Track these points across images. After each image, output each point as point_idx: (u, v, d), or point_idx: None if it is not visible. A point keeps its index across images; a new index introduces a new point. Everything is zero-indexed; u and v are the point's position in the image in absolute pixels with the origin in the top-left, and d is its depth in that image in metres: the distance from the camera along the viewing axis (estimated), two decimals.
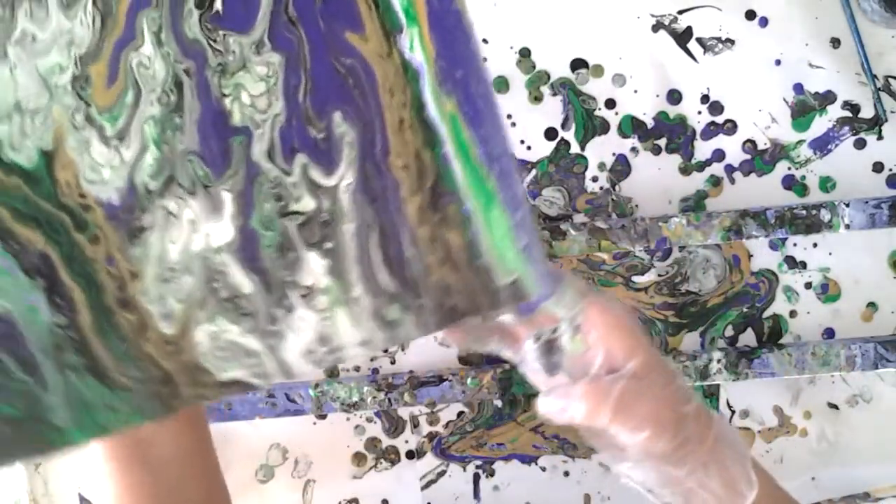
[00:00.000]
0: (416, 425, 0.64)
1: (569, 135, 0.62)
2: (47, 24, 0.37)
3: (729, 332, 0.63)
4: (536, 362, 0.42)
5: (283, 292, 0.37)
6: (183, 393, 0.38)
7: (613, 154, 0.62)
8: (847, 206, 0.60)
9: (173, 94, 0.37)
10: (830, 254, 0.62)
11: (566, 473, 0.64)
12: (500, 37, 0.61)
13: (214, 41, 0.37)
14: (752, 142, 0.62)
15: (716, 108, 0.62)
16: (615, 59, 0.62)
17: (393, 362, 0.63)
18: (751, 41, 0.62)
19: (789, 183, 0.62)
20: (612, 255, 0.62)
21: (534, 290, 0.37)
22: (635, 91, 0.62)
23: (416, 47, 0.36)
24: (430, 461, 0.64)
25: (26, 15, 0.37)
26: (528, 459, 0.64)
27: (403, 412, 0.63)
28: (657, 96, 0.62)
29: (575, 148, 0.62)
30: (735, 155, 0.62)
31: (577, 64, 0.62)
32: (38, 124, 0.37)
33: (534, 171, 0.62)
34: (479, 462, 0.64)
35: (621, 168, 0.62)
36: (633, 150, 0.62)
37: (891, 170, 0.62)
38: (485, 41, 0.62)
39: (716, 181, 0.62)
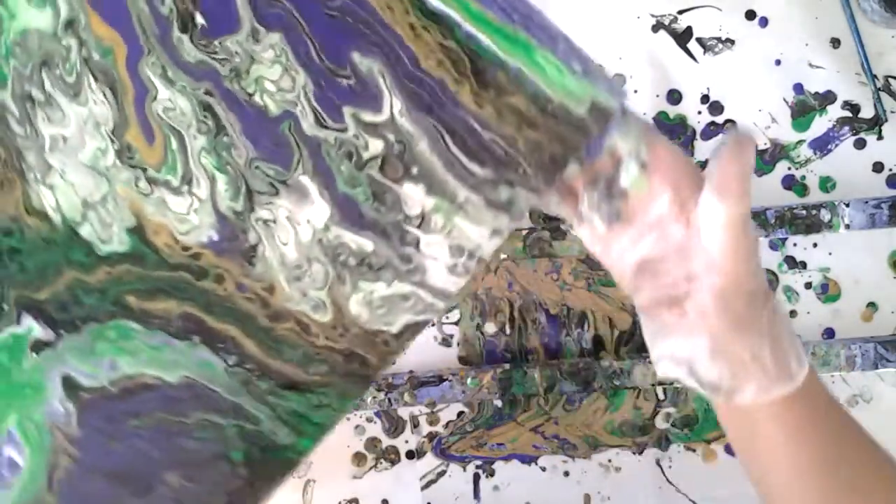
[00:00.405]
0: (416, 425, 0.64)
1: None
2: (67, 121, 0.38)
3: None
4: (595, 212, 0.38)
5: (400, 232, 0.38)
6: (371, 361, 0.39)
7: None
8: (847, 206, 0.60)
9: (209, 119, 0.37)
10: (830, 254, 0.62)
11: (566, 473, 0.64)
12: None
13: (215, 53, 0.37)
14: None
15: (716, 108, 0.62)
16: (615, 59, 0.62)
17: (393, 362, 0.63)
18: (751, 41, 0.62)
19: (789, 183, 0.62)
20: None
21: (612, 102, 0.36)
22: (635, 91, 0.62)
23: None
24: (430, 461, 0.64)
25: (45, 122, 0.38)
26: (528, 459, 0.64)
27: (403, 412, 0.63)
28: (657, 96, 0.62)
29: None
30: None
31: None
32: (111, 210, 0.38)
33: None
34: (479, 462, 0.64)
35: None
36: None
37: (891, 170, 0.62)
38: None
39: None
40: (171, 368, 0.39)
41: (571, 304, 0.63)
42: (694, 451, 0.63)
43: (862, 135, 0.62)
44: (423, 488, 0.63)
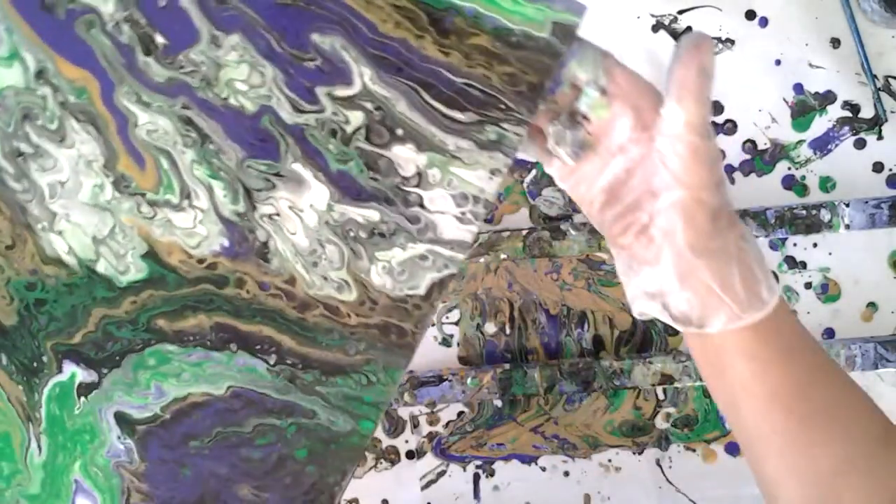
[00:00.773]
0: (416, 425, 0.64)
1: None
2: (60, 166, 0.39)
3: None
4: (562, 146, 0.39)
5: (402, 195, 0.38)
6: (407, 328, 0.39)
7: None
8: (847, 206, 0.60)
9: (192, 131, 0.38)
10: (830, 254, 0.62)
11: (566, 473, 0.64)
12: None
13: (182, 67, 0.38)
14: (752, 142, 0.62)
15: (716, 108, 0.62)
16: None
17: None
18: (751, 41, 0.62)
19: (789, 183, 0.62)
20: None
21: (573, 18, 0.37)
22: None
23: None
24: (430, 461, 0.64)
25: (40, 172, 0.39)
26: (528, 459, 0.64)
27: (403, 412, 0.63)
28: None
29: None
30: (735, 155, 0.62)
31: None
32: (122, 240, 0.39)
33: (534, 171, 0.62)
34: (479, 462, 0.64)
35: None
36: None
37: (891, 170, 0.62)
38: None
39: None
40: (216, 381, 0.40)
41: (571, 304, 0.63)
42: (694, 451, 0.63)
43: (862, 135, 0.62)
44: (423, 488, 0.63)
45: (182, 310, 0.40)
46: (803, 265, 0.63)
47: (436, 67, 0.37)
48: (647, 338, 0.63)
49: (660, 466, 0.63)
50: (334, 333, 0.40)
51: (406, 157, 0.38)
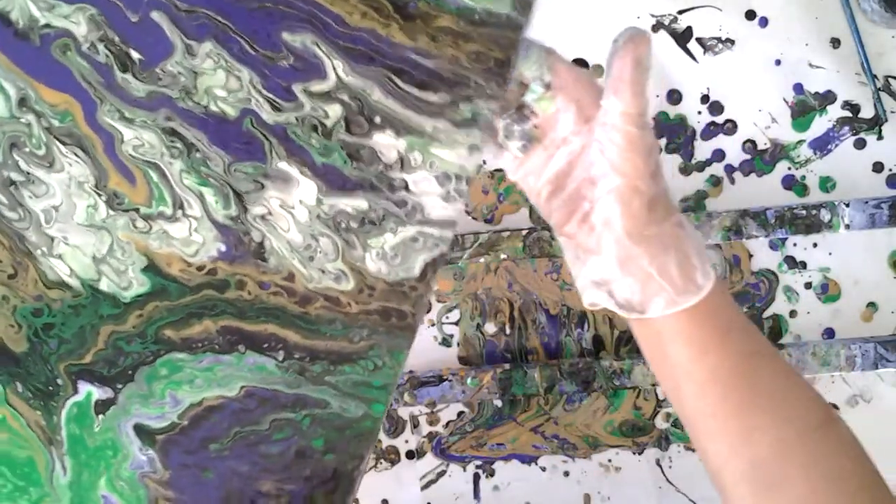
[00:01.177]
0: (416, 425, 0.64)
1: None
2: (52, 191, 0.40)
3: None
4: (511, 139, 0.41)
5: (387, 181, 0.39)
6: (406, 310, 0.40)
7: None
8: (847, 206, 0.60)
9: (177, 142, 0.39)
10: (830, 254, 0.62)
11: (566, 473, 0.64)
12: None
13: (160, 80, 0.39)
14: (752, 142, 0.62)
15: (716, 108, 0.62)
16: None
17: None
18: (751, 41, 0.62)
19: (789, 183, 0.62)
20: None
21: None
22: None
23: None
24: (430, 461, 0.64)
25: (33, 198, 0.40)
26: (528, 459, 0.64)
27: (403, 412, 0.63)
28: (657, 96, 0.62)
29: None
30: (735, 155, 0.62)
31: (578, 64, 0.62)
32: (121, 257, 0.40)
33: None
34: (479, 462, 0.64)
35: None
36: None
37: (891, 170, 0.62)
38: None
39: (716, 181, 0.62)
40: (228, 383, 0.40)
41: (571, 304, 0.63)
42: (694, 451, 0.63)
43: (862, 135, 0.62)
44: (423, 488, 0.63)
45: (188, 318, 0.40)
46: (803, 265, 0.63)
47: (405, 53, 0.38)
48: None
49: (660, 466, 0.63)
50: (337, 323, 0.40)
51: (387, 143, 0.39)
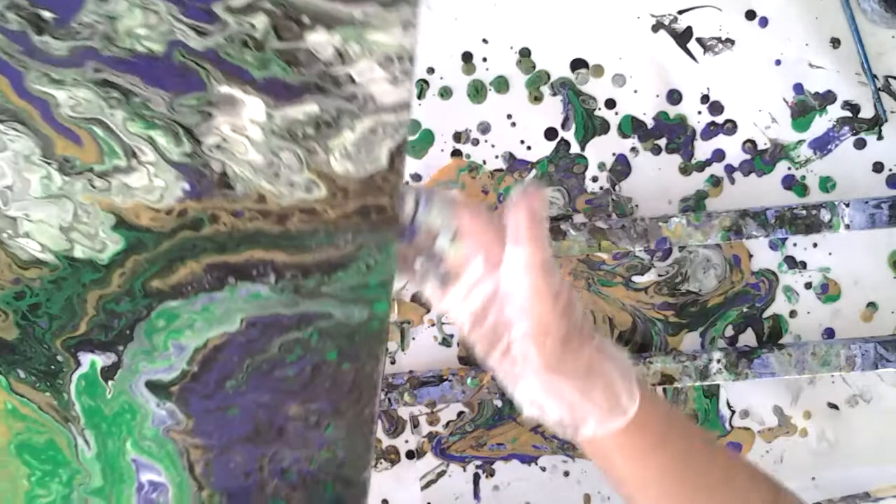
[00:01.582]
0: (416, 425, 0.64)
1: (569, 135, 0.62)
2: (1, 171, 0.39)
3: (729, 332, 0.63)
4: (428, 280, 0.43)
5: (331, 78, 0.39)
6: (384, 203, 0.40)
7: (613, 154, 0.62)
8: (847, 206, 0.60)
9: (112, 91, 0.38)
10: (830, 254, 0.62)
11: (566, 473, 0.64)
12: (500, 37, 0.61)
13: (78, 34, 0.38)
14: (752, 142, 0.62)
15: (716, 108, 0.62)
16: (615, 59, 0.62)
17: (393, 362, 0.63)
18: (751, 41, 0.62)
19: (789, 183, 0.62)
20: (612, 255, 0.62)
21: None
22: (635, 91, 0.62)
23: None
24: (430, 461, 0.64)
25: None
26: (528, 459, 0.64)
27: (403, 412, 0.63)
28: (657, 96, 0.62)
29: (575, 148, 0.62)
30: (735, 155, 0.62)
31: (577, 64, 0.62)
32: (87, 220, 0.39)
33: (534, 171, 0.62)
34: (479, 462, 0.64)
35: (621, 168, 0.62)
36: (633, 150, 0.62)
37: (891, 170, 0.62)
38: (485, 41, 0.62)
39: (716, 181, 0.62)
40: (228, 319, 0.40)
41: None
42: None
43: (862, 135, 0.62)
44: (423, 488, 0.63)
45: (170, 264, 0.40)
46: (803, 265, 0.63)
47: None
48: (647, 338, 0.63)
49: None
50: (319, 233, 0.40)
51: (321, 41, 0.38)
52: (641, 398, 0.41)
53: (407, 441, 0.64)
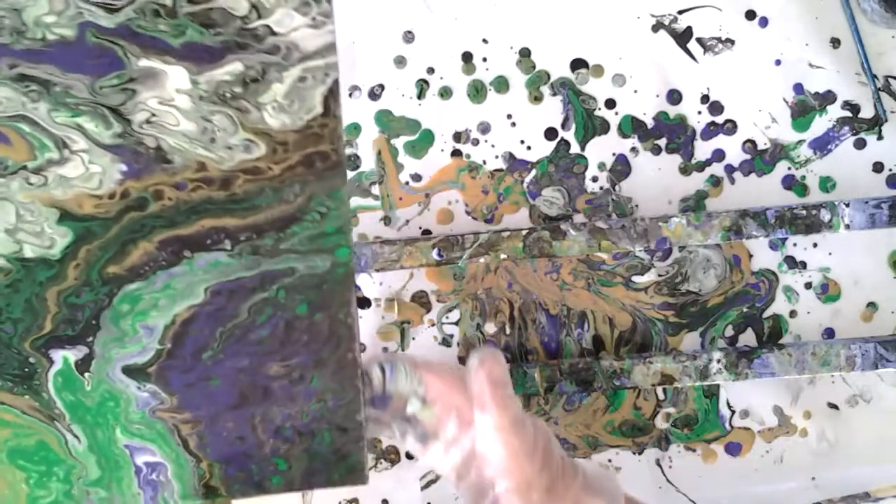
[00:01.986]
0: None
1: (569, 135, 0.62)
2: None
3: (729, 332, 0.63)
4: (408, 438, 0.44)
5: (250, 33, 0.39)
6: (326, 149, 0.40)
7: (613, 154, 0.62)
8: (847, 206, 0.60)
9: (31, 84, 0.38)
10: (830, 254, 0.62)
11: None
12: (500, 37, 0.61)
13: None
14: (752, 142, 0.62)
15: (716, 108, 0.62)
16: (615, 59, 0.62)
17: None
18: (751, 41, 0.62)
19: (789, 183, 0.62)
20: (612, 255, 0.62)
21: None
22: (635, 91, 0.62)
23: None
24: None
25: None
26: None
27: None
28: (657, 96, 0.62)
29: (575, 148, 0.62)
30: (735, 155, 0.62)
31: (577, 64, 0.62)
32: (31, 219, 0.39)
33: (534, 171, 0.62)
34: None
35: (621, 168, 0.62)
36: (633, 150, 0.62)
37: (891, 170, 0.62)
38: (485, 41, 0.62)
39: (716, 181, 0.62)
40: (191, 292, 0.40)
41: (571, 304, 0.63)
42: (694, 451, 0.63)
43: (862, 135, 0.62)
44: (423, 488, 0.63)
45: (122, 248, 0.40)
46: (803, 265, 0.63)
47: None
48: (647, 338, 0.63)
49: (660, 466, 0.63)
50: (266, 191, 0.40)
51: None
52: None
53: None
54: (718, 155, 0.62)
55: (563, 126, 0.62)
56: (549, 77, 0.62)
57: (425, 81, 0.62)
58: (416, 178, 0.62)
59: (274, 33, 0.39)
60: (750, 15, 0.61)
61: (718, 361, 0.61)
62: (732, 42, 0.62)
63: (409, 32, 0.61)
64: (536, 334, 0.63)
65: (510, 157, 0.62)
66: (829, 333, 0.63)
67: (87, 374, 0.40)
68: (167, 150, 0.39)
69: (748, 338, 0.63)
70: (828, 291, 0.63)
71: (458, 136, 0.62)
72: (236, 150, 0.39)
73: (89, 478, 0.41)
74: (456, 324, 0.63)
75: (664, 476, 0.63)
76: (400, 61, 0.61)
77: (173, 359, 0.41)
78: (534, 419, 0.44)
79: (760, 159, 0.62)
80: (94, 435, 0.41)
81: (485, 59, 0.62)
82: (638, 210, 0.62)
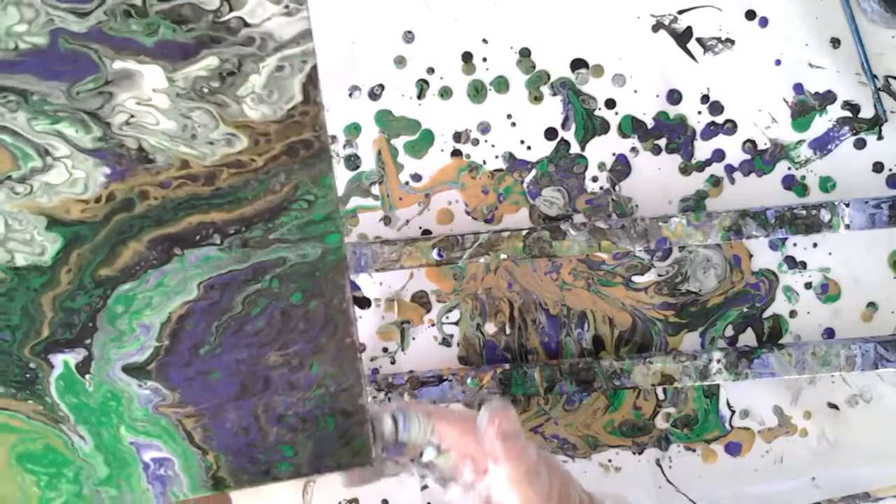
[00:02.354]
0: None
1: (569, 135, 0.62)
2: None
3: (729, 332, 0.63)
4: (427, 480, 0.45)
5: (223, 26, 0.39)
6: (309, 137, 0.40)
7: (613, 154, 0.62)
8: (847, 206, 0.60)
9: (8, 94, 0.38)
10: (830, 254, 0.62)
11: None
12: (500, 37, 0.61)
13: None
14: (752, 142, 0.62)
15: (716, 108, 0.62)
16: (615, 59, 0.62)
17: (393, 362, 0.63)
18: (751, 41, 0.62)
19: (789, 183, 0.62)
20: (612, 255, 0.62)
21: None
22: (635, 91, 0.62)
23: None
24: None
25: None
26: None
27: None
28: (657, 96, 0.62)
29: (575, 148, 0.62)
30: (735, 155, 0.62)
31: (577, 64, 0.62)
32: (20, 227, 0.39)
33: (534, 171, 0.62)
34: None
35: (621, 168, 0.62)
36: (633, 150, 0.62)
37: (891, 170, 0.62)
38: (485, 41, 0.62)
39: (716, 181, 0.62)
40: (184, 288, 0.40)
41: (571, 304, 0.63)
42: (694, 451, 0.63)
43: (862, 135, 0.62)
44: (423, 488, 0.63)
45: (113, 250, 0.40)
46: (803, 265, 0.63)
47: None
48: (647, 338, 0.63)
49: (660, 466, 0.63)
50: (252, 183, 0.40)
51: None
52: None
53: None
54: (718, 155, 0.62)
55: (563, 126, 0.62)
56: (549, 77, 0.62)
57: (425, 81, 0.62)
58: (416, 178, 0.62)
59: (247, 24, 0.39)
60: (750, 15, 0.61)
61: (718, 361, 0.61)
62: (732, 42, 0.62)
63: (409, 32, 0.61)
64: (536, 334, 0.63)
65: (510, 157, 0.62)
66: (829, 333, 0.63)
67: (87, 376, 0.41)
68: (149, 150, 0.39)
69: (748, 338, 0.63)
70: (828, 291, 0.63)
71: (458, 136, 0.62)
72: (218, 144, 0.39)
73: (98, 477, 0.41)
74: (456, 324, 0.63)
75: (664, 476, 0.63)
76: (400, 61, 0.61)
77: (172, 355, 0.41)
78: (549, 463, 0.45)
79: (760, 159, 0.62)
80: (99, 435, 0.41)
81: (485, 59, 0.62)
82: (638, 210, 0.62)
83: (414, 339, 0.63)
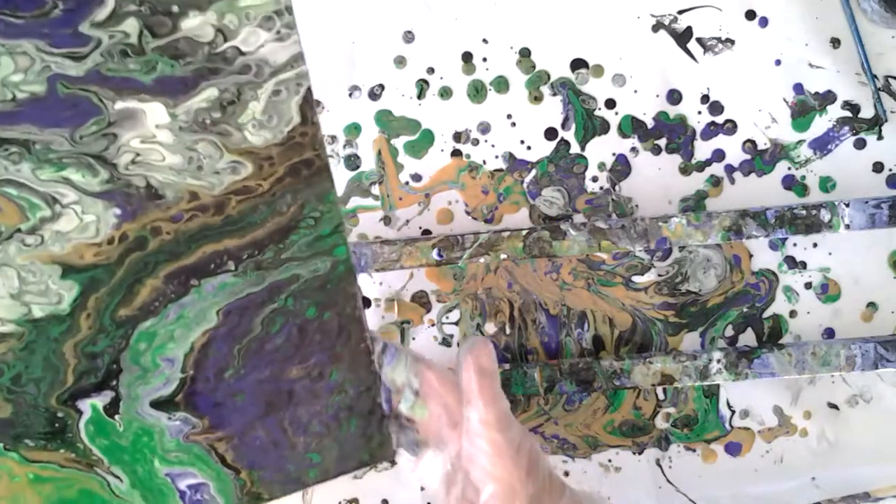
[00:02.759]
0: None
1: (569, 135, 0.62)
2: None
3: (729, 332, 0.63)
4: (401, 448, 0.44)
5: (220, 57, 0.39)
6: (310, 157, 0.40)
7: (613, 154, 0.62)
8: (847, 206, 0.60)
9: (10, 147, 0.38)
10: (830, 254, 0.62)
11: (566, 473, 0.64)
12: (500, 37, 0.61)
13: None
14: (752, 142, 0.62)
15: (716, 108, 0.62)
16: (615, 59, 0.62)
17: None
18: (751, 41, 0.62)
19: (789, 183, 0.62)
20: (612, 255, 0.62)
21: None
22: (635, 91, 0.62)
23: None
24: None
25: None
26: None
27: None
28: (657, 96, 0.62)
29: (575, 148, 0.62)
30: (735, 155, 0.62)
31: (577, 64, 0.62)
32: (34, 279, 0.39)
33: (534, 171, 0.62)
34: None
35: (621, 168, 0.62)
36: (633, 150, 0.62)
37: (891, 170, 0.62)
38: (485, 41, 0.62)
39: (716, 181, 0.62)
40: (204, 317, 0.41)
41: (571, 304, 0.63)
42: (694, 451, 0.63)
43: (862, 135, 0.62)
44: (423, 488, 0.63)
45: (130, 289, 0.40)
46: (803, 265, 0.63)
47: None
48: (647, 338, 0.63)
49: (660, 466, 0.63)
50: (260, 208, 0.41)
51: (197, 25, 0.38)
52: None
53: None
54: (718, 155, 0.62)
55: (563, 126, 0.62)
56: (549, 77, 0.62)
57: (425, 81, 0.62)
58: (416, 178, 0.62)
59: (242, 53, 0.39)
60: (750, 15, 0.61)
61: (718, 361, 0.61)
62: (732, 42, 0.62)
63: (409, 32, 0.61)
64: (536, 334, 0.63)
65: (510, 157, 0.62)
66: (829, 333, 0.63)
67: (117, 417, 0.41)
68: (157, 187, 0.39)
69: (748, 338, 0.63)
70: (828, 291, 0.63)
71: (458, 136, 0.62)
72: (224, 173, 0.40)
73: None
74: (456, 324, 0.63)
75: (664, 476, 0.63)
76: (400, 61, 0.61)
77: (197, 384, 0.41)
78: (522, 427, 0.44)
79: (760, 159, 0.62)
80: (134, 472, 0.41)
81: (485, 59, 0.62)
82: (638, 210, 0.62)
83: (414, 339, 0.63)
